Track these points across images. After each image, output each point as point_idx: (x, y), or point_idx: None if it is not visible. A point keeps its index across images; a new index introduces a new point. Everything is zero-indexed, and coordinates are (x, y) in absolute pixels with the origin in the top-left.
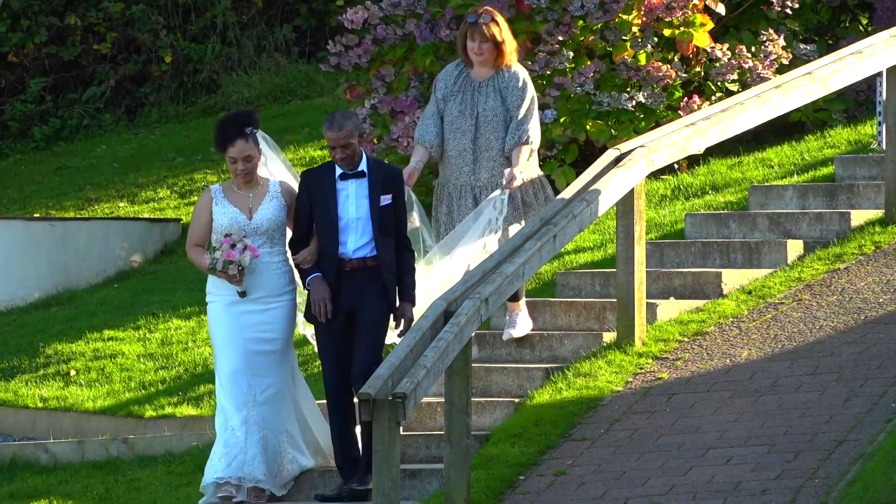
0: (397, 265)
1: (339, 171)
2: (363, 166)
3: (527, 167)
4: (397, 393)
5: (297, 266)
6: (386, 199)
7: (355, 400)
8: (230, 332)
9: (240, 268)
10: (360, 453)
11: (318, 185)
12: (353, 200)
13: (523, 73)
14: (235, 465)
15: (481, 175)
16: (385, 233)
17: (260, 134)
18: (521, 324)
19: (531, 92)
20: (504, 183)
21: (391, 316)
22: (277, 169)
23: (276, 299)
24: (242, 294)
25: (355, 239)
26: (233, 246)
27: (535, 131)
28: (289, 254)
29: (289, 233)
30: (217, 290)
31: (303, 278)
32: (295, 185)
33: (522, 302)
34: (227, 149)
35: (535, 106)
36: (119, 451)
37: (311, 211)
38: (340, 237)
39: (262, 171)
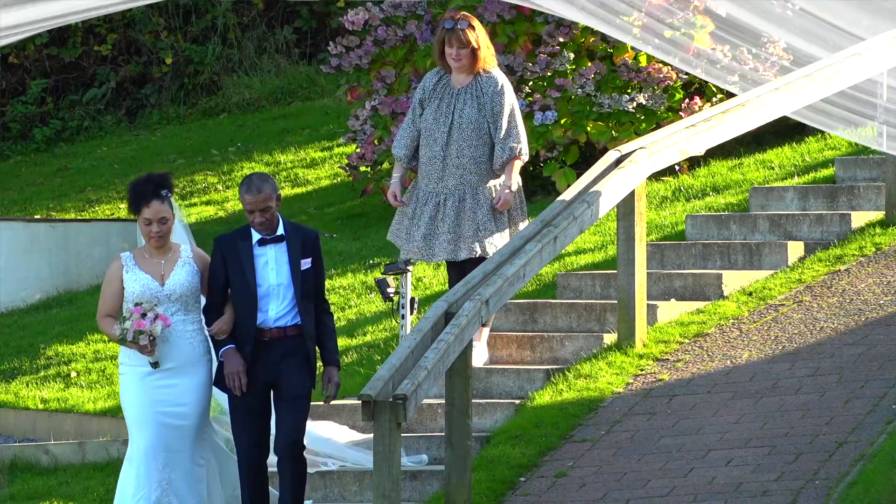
0: (317, 330)
1: (256, 236)
2: (280, 230)
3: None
4: (398, 394)
5: (211, 337)
6: (306, 263)
7: (272, 468)
8: (143, 407)
9: (151, 338)
10: None
11: (234, 252)
12: (273, 266)
13: (502, 78)
14: None
15: (448, 182)
16: (307, 298)
17: (172, 200)
18: (476, 355)
19: (510, 97)
20: (497, 204)
21: (316, 385)
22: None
23: (191, 369)
24: (155, 365)
25: (276, 306)
26: (143, 315)
27: (523, 139)
28: (203, 322)
29: (203, 300)
30: (129, 361)
31: (216, 349)
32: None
33: (485, 331)
34: (143, 209)
35: (517, 111)
36: (120, 453)
37: (226, 278)
38: (260, 305)
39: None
